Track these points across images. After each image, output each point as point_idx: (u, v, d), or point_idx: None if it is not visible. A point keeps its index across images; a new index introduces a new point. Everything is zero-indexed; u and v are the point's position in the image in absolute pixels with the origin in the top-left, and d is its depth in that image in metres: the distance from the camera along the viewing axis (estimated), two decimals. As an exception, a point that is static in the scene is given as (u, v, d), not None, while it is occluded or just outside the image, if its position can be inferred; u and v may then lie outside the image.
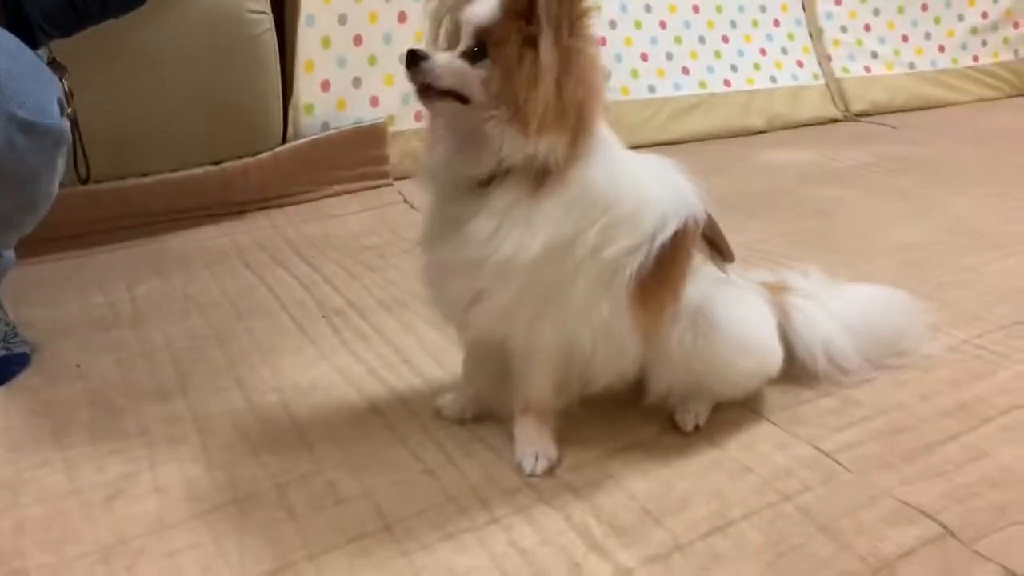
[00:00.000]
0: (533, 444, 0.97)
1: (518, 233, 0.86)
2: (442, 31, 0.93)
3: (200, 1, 1.61)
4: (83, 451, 1.02)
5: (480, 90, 0.87)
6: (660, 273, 0.94)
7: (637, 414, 1.04)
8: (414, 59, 0.87)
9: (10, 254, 1.23)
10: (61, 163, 1.11)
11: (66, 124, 1.07)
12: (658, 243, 0.93)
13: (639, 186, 0.94)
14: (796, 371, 1.11)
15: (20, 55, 1.04)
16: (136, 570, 0.83)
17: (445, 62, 0.87)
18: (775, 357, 1.05)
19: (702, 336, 0.99)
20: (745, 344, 1.02)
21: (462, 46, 0.88)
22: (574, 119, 0.86)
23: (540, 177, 0.87)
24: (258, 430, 1.06)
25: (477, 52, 0.87)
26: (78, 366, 1.22)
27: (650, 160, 0.98)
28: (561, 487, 0.93)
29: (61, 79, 1.16)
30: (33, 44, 1.14)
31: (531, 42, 0.84)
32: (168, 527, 0.89)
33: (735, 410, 1.06)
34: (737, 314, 1.02)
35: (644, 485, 0.93)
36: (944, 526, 0.85)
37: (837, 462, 0.96)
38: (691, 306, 0.98)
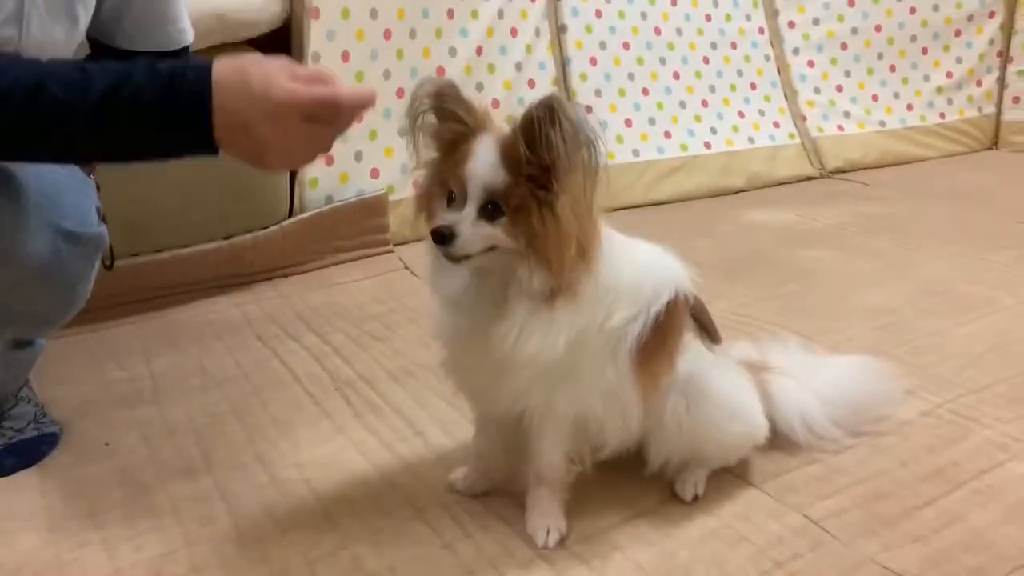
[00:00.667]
0: (545, 517, 1.04)
1: (540, 337, 0.93)
2: (419, 144, 0.97)
3: (213, 87, 1.70)
4: (119, 531, 1.08)
5: (506, 240, 0.91)
6: (657, 340, 1.01)
7: (639, 485, 1.12)
8: (445, 239, 0.90)
9: (43, 341, 1.29)
10: (95, 269, 1.17)
11: (104, 230, 1.14)
12: (654, 312, 1.00)
13: (635, 263, 1.01)
14: (780, 442, 1.19)
15: (65, 169, 1.11)
16: (181, 649, 0.89)
17: (470, 232, 0.91)
18: (761, 422, 1.14)
19: (694, 405, 1.06)
20: (733, 411, 1.10)
21: (474, 202, 0.92)
22: (589, 250, 0.92)
23: (556, 291, 0.93)
24: (283, 507, 1.12)
25: (492, 209, 0.91)
26: (106, 444, 1.28)
27: (641, 242, 1.05)
28: (572, 558, 1.01)
29: (89, 175, 1.23)
30: None
31: (546, 204, 0.89)
32: (207, 606, 0.96)
33: (730, 479, 1.14)
34: (724, 384, 1.10)
35: (648, 555, 1.01)
36: (923, 590, 0.94)
37: (825, 530, 1.04)
38: (682, 378, 1.06)
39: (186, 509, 1.12)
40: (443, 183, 0.96)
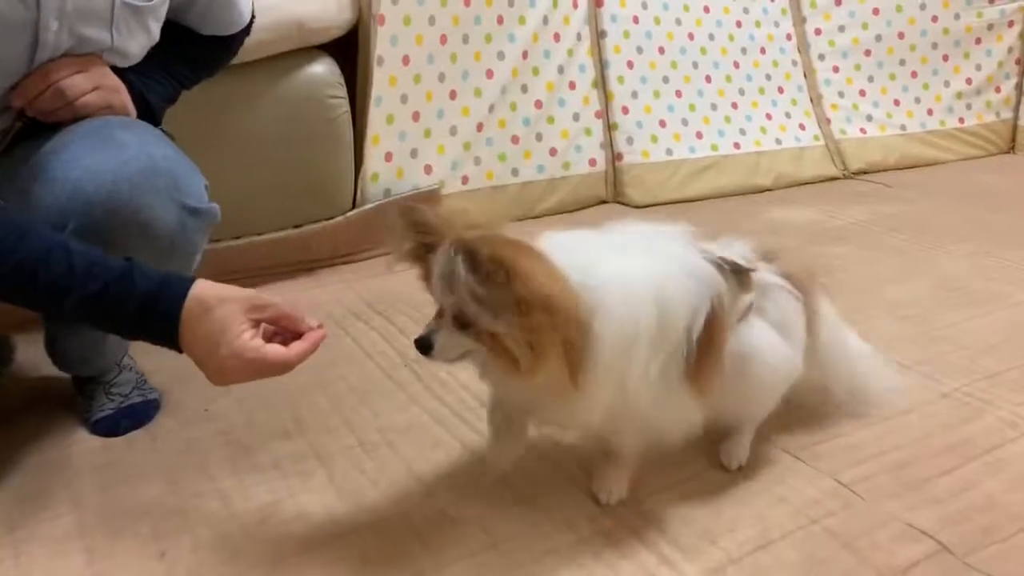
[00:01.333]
0: (609, 482, 1.16)
1: (571, 414, 1.04)
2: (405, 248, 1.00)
3: (288, 89, 1.84)
4: (230, 483, 1.23)
5: (480, 348, 0.96)
6: (706, 352, 1.03)
7: (685, 452, 1.26)
8: (424, 350, 0.98)
9: None
10: (206, 241, 1.31)
11: (216, 207, 1.27)
12: (695, 336, 1.01)
13: (659, 300, 0.99)
14: (812, 415, 1.33)
15: (179, 152, 1.24)
16: (300, 579, 1.04)
17: (445, 342, 0.97)
18: (797, 361, 1.19)
19: (740, 371, 1.12)
20: (775, 363, 1.16)
21: (448, 313, 0.96)
22: (570, 374, 0.94)
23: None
24: (371, 465, 1.27)
25: (463, 319, 0.95)
26: (205, 410, 1.42)
27: (661, 254, 1.03)
28: (633, 514, 1.15)
29: None
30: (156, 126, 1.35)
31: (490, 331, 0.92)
32: (316, 547, 1.10)
33: (768, 449, 1.27)
34: (765, 339, 1.14)
35: (698, 512, 1.14)
36: (942, 544, 1.07)
37: (854, 492, 1.18)
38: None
39: (286, 466, 1.27)
40: (429, 289, 0.99)
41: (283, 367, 1.01)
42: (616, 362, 0.96)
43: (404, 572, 1.04)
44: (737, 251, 1.16)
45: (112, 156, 1.13)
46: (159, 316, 0.99)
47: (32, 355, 1.58)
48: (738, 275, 1.10)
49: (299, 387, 1.49)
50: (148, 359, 1.52)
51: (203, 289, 1.00)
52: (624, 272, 0.98)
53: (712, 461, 1.24)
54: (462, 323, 0.95)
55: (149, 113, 1.32)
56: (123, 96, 1.26)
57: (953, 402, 1.41)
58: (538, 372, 0.93)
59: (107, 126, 1.19)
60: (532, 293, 0.88)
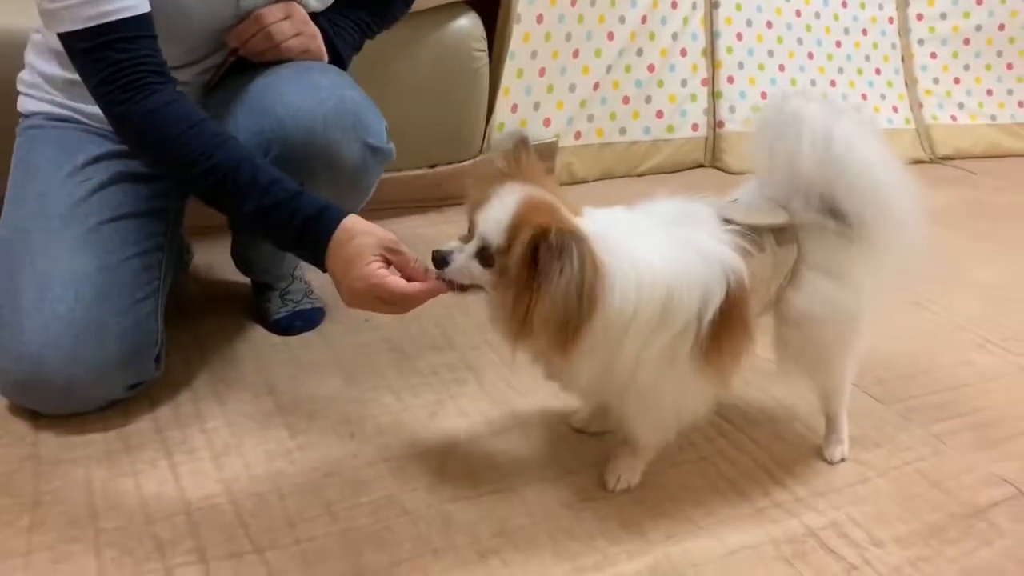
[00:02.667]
0: (620, 469, 1.19)
1: (559, 372, 1.10)
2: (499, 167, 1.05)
3: (440, 40, 2.01)
4: (397, 382, 1.43)
5: (489, 288, 1.02)
6: (722, 335, 1.04)
7: (793, 409, 1.43)
8: (439, 264, 1.03)
9: None
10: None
11: (393, 147, 1.42)
12: (707, 321, 1.02)
13: (663, 279, 1.00)
14: (906, 374, 1.49)
15: (365, 95, 1.38)
16: (470, 464, 1.24)
17: (461, 265, 1.02)
18: (857, 308, 1.16)
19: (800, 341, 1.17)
20: (832, 321, 1.15)
21: (476, 243, 1.01)
22: (563, 344, 0.97)
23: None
24: (516, 379, 1.45)
25: (487, 256, 1.00)
26: (366, 320, 1.62)
27: (679, 239, 1.04)
28: (752, 445, 1.32)
29: None
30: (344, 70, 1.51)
31: (517, 291, 0.96)
32: (478, 439, 1.30)
33: (864, 400, 1.43)
34: (814, 302, 1.13)
35: (803, 449, 1.31)
36: (1019, 489, 1.24)
37: (943, 442, 1.34)
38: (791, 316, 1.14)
39: (442, 373, 1.47)
40: (472, 212, 1.04)
41: (402, 299, 1.08)
42: (607, 340, 1.00)
43: (553, 470, 1.24)
44: (768, 193, 1.14)
45: (310, 97, 1.29)
46: (313, 236, 1.13)
47: (209, 259, 1.80)
48: (775, 232, 1.10)
49: (445, 309, 1.66)
50: (314, 273, 1.72)
51: (352, 221, 1.13)
52: (640, 256, 1.00)
53: (811, 407, 1.39)
54: (484, 258, 1.01)
55: (338, 58, 1.47)
56: (319, 42, 1.42)
57: (1033, 375, 1.57)
58: (526, 335, 0.98)
59: (307, 70, 1.35)
60: (578, 282, 0.93)
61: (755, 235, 1.08)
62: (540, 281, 0.94)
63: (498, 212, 0.99)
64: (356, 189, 1.40)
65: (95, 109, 1.21)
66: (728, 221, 1.08)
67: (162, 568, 1.03)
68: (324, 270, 1.15)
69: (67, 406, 1.26)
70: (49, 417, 1.27)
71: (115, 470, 1.19)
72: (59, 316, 1.20)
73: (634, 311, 1.00)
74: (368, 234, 1.11)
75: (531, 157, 1.05)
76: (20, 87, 1.41)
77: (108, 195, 1.30)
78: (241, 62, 1.40)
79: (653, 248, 1.02)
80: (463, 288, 1.06)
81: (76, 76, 1.20)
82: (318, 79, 1.34)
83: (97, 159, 1.33)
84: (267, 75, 1.34)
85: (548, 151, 2.29)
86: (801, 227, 1.12)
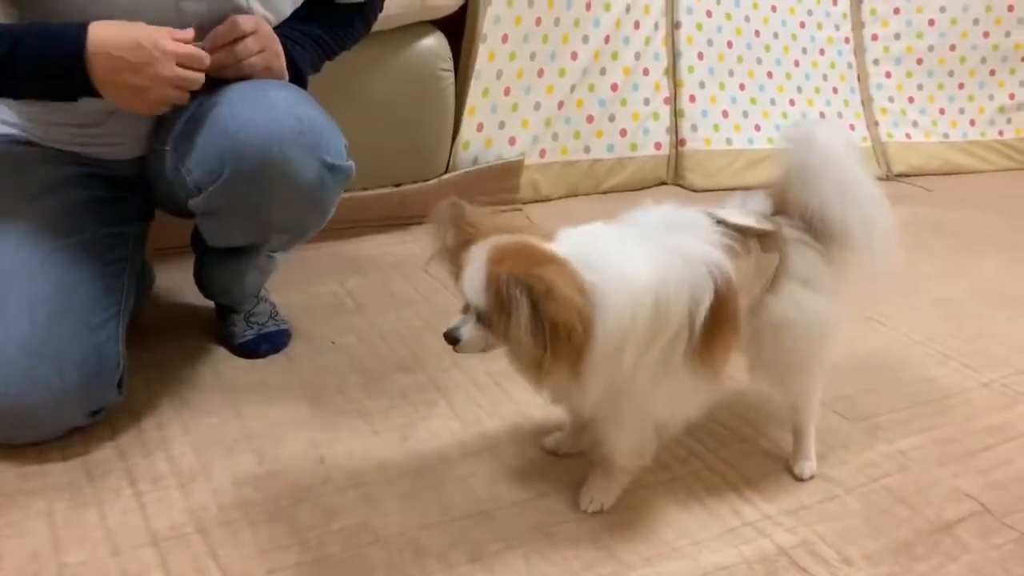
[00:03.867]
0: (594, 491, 1.20)
1: (569, 395, 1.12)
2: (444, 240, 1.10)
3: (405, 59, 2.01)
4: (366, 405, 1.42)
5: (500, 345, 1.05)
6: (713, 334, 1.07)
7: (761, 424, 1.44)
8: (452, 343, 1.06)
9: (278, 256, 1.60)
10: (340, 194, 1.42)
11: (352, 165, 1.38)
12: (699, 321, 1.05)
13: (654, 290, 1.03)
14: (870, 390, 1.52)
15: (324, 113, 1.35)
16: (442, 488, 1.23)
17: (470, 336, 1.05)
18: (833, 318, 1.20)
19: (776, 346, 1.18)
20: (810, 327, 1.18)
21: (472, 310, 1.04)
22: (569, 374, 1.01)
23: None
24: (486, 400, 1.45)
25: (484, 320, 1.03)
26: (333, 342, 1.61)
27: (665, 244, 1.06)
28: (718, 461, 1.33)
29: None
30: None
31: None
32: (450, 461, 1.29)
33: (830, 417, 1.45)
34: (795, 308, 1.17)
35: (771, 468, 1.33)
36: (983, 505, 1.26)
37: (908, 458, 1.36)
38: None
39: (412, 394, 1.46)
40: (458, 284, 1.06)
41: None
42: (611, 354, 1.02)
43: (526, 493, 1.23)
44: (754, 207, 1.20)
45: (265, 114, 1.26)
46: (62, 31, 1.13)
47: (170, 282, 1.77)
48: (760, 238, 1.15)
49: (412, 330, 1.67)
50: (276, 296, 1.71)
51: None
52: (625, 268, 1.02)
53: (779, 425, 1.41)
54: (483, 322, 1.03)
55: (298, 77, 1.45)
56: (282, 62, 1.39)
57: (992, 391, 1.59)
58: (553, 373, 1.00)
59: (264, 88, 1.31)
60: (563, 318, 0.95)
61: (742, 237, 1.12)
62: (509, 328, 0.97)
63: (472, 277, 1.01)
64: (315, 208, 1.38)
65: (54, 130, 1.19)
66: (718, 222, 1.12)
67: (128, 602, 1.01)
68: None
69: (25, 435, 1.22)
70: (5, 447, 1.23)
71: (77, 500, 1.16)
72: (12, 340, 1.17)
73: (631, 321, 1.01)
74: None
75: (474, 213, 1.07)
76: None
77: (66, 219, 1.28)
78: None
79: (636, 257, 1.04)
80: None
81: None
82: (274, 96, 1.30)
83: (55, 184, 1.30)
84: (223, 92, 1.30)
85: (514, 170, 2.30)
86: (784, 238, 1.17)
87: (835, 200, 1.16)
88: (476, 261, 1.01)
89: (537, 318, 0.95)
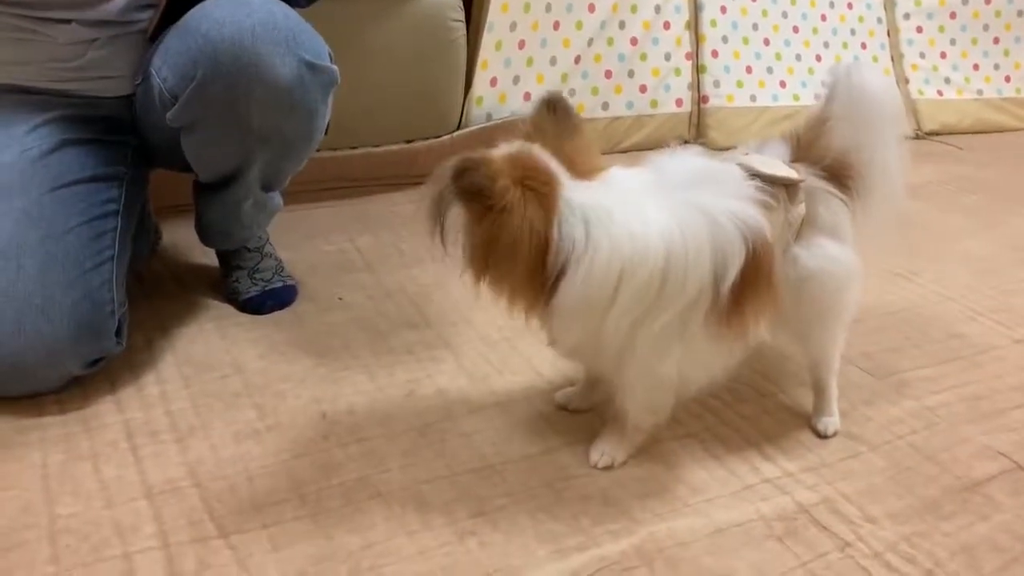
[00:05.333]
0: (607, 445, 1.16)
1: (550, 330, 1.07)
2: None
3: (415, 10, 1.94)
4: (371, 361, 1.38)
5: None
6: (744, 297, 1.03)
7: (779, 380, 1.39)
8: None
9: (279, 200, 1.56)
10: (330, 105, 1.36)
11: (336, 69, 1.32)
12: (727, 284, 1.01)
13: (658, 251, 0.98)
14: (898, 347, 1.45)
15: (301, 20, 1.28)
16: (446, 444, 1.18)
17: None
18: (857, 267, 1.17)
19: (801, 298, 1.13)
20: (837, 278, 1.15)
21: None
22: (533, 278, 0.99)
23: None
24: (496, 356, 1.40)
25: None
26: (340, 299, 1.57)
27: (694, 204, 1.02)
28: (739, 419, 1.28)
29: None
30: None
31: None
32: (456, 417, 1.24)
33: (856, 373, 1.39)
34: (823, 259, 1.13)
35: (791, 424, 1.27)
36: (1015, 462, 1.20)
37: (936, 415, 1.30)
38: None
39: (418, 351, 1.41)
40: None
41: None
42: (589, 308, 1.00)
43: (534, 448, 1.19)
44: (773, 154, 1.16)
45: (238, 11, 1.21)
46: None
47: (175, 239, 1.73)
48: (788, 188, 1.10)
49: (421, 288, 1.63)
50: (283, 254, 1.66)
51: None
52: (628, 228, 0.98)
53: (800, 382, 1.35)
54: None
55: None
56: None
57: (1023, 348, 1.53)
58: (485, 284, 1.01)
59: None
60: (498, 233, 0.95)
61: (772, 189, 1.08)
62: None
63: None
64: (297, 111, 1.30)
65: (37, 68, 1.15)
66: (752, 174, 1.07)
67: (121, 554, 0.98)
68: None
69: (20, 385, 1.20)
70: (3, 399, 1.21)
71: (73, 453, 1.13)
72: (0, 290, 1.14)
73: (616, 283, 0.98)
74: None
75: (551, 117, 1.03)
76: None
77: (51, 162, 1.24)
78: (180, 7, 1.29)
79: (648, 218, 1.00)
80: None
81: (6, 34, 1.13)
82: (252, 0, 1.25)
83: (38, 127, 1.27)
84: (202, 4, 1.26)
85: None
86: (808, 187, 1.13)
87: (871, 145, 1.15)
88: (472, 155, 0.97)
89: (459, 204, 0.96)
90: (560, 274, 0.98)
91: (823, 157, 1.16)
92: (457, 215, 0.98)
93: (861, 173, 1.16)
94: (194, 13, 1.24)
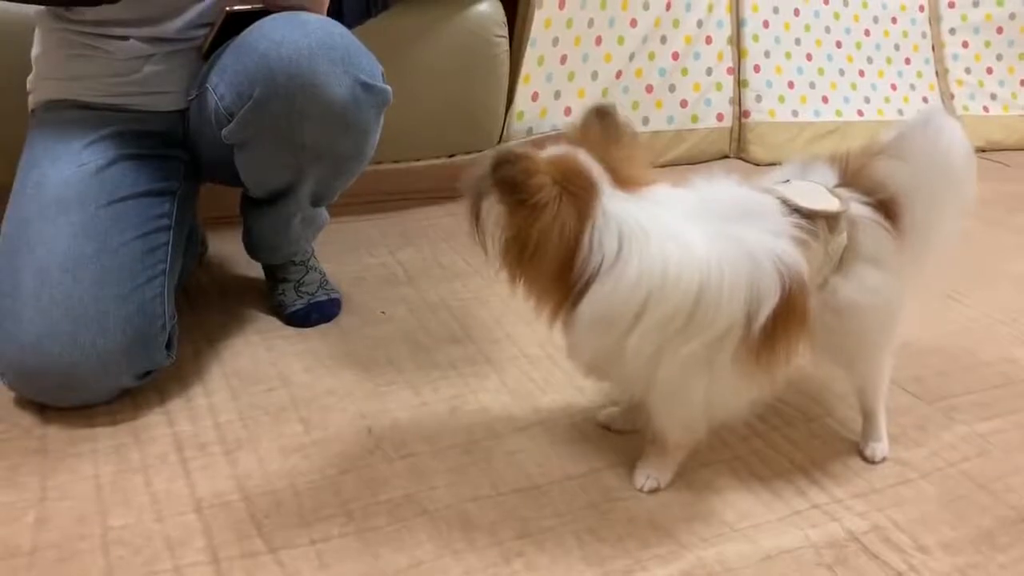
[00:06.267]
0: (649, 468, 1.14)
1: (568, 345, 1.07)
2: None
3: (460, 25, 1.96)
4: (415, 376, 1.38)
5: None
6: (777, 334, 1.01)
7: (828, 403, 1.37)
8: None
9: (326, 215, 1.57)
10: (380, 125, 1.37)
11: (390, 89, 1.33)
12: (759, 322, 0.98)
13: (693, 279, 0.97)
14: (948, 370, 1.43)
15: (356, 40, 1.30)
16: (491, 462, 1.18)
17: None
18: (900, 296, 1.13)
19: (841, 331, 1.11)
20: (878, 310, 1.12)
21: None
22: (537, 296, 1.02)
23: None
24: (536, 374, 1.40)
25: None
26: (383, 312, 1.58)
27: (734, 236, 0.99)
28: (784, 442, 1.26)
29: None
30: None
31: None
32: (500, 435, 1.24)
33: (906, 399, 1.37)
34: (863, 290, 1.10)
35: (840, 449, 1.25)
36: (1072, 493, 1.17)
37: (988, 442, 1.28)
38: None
39: (461, 366, 1.42)
40: None
41: None
42: (610, 325, 0.98)
43: (579, 468, 1.18)
44: (816, 178, 1.14)
45: (295, 31, 1.23)
46: None
47: (222, 251, 1.76)
48: (828, 219, 1.07)
49: (462, 302, 1.63)
50: (326, 266, 1.68)
51: None
52: (663, 250, 0.97)
53: (848, 405, 1.33)
54: None
55: (339, 16, 1.41)
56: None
57: (1078, 372, 1.49)
58: (515, 279, 1.01)
59: (298, 14, 1.28)
60: (530, 229, 0.95)
61: (812, 224, 1.05)
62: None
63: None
64: (351, 130, 1.32)
65: (93, 83, 1.18)
66: (791, 208, 1.04)
67: (172, 568, 0.99)
68: None
69: (73, 396, 1.22)
70: (56, 410, 1.23)
71: (124, 465, 1.15)
72: (57, 302, 1.16)
73: (643, 304, 0.97)
74: None
75: (600, 126, 1.02)
76: (28, 87, 1.41)
77: (107, 177, 1.26)
78: (239, 23, 1.32)
79: (687, 244, 0.98)
80: None
81: (68, 51, 1.16)
82: (307, 18, 1.26)
83: (94, 142, 1.29)
84: (259, 23, 1.28)
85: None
86: (851, 217, 1.10)
87: (932, 202, 1.12)
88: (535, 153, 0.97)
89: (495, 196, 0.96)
90: (587, 283, 0.97)
91: (873, 188, 1.12)
92: (492, 206, 0.98)
93: (914, 215, 1.12)
94: (252, 32, 1.26)
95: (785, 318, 1.00)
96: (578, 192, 0.97)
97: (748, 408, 1.11)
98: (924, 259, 1.15)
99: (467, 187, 1.00)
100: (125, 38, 1.33)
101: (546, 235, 0.95)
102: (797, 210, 1.05)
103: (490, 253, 1.00)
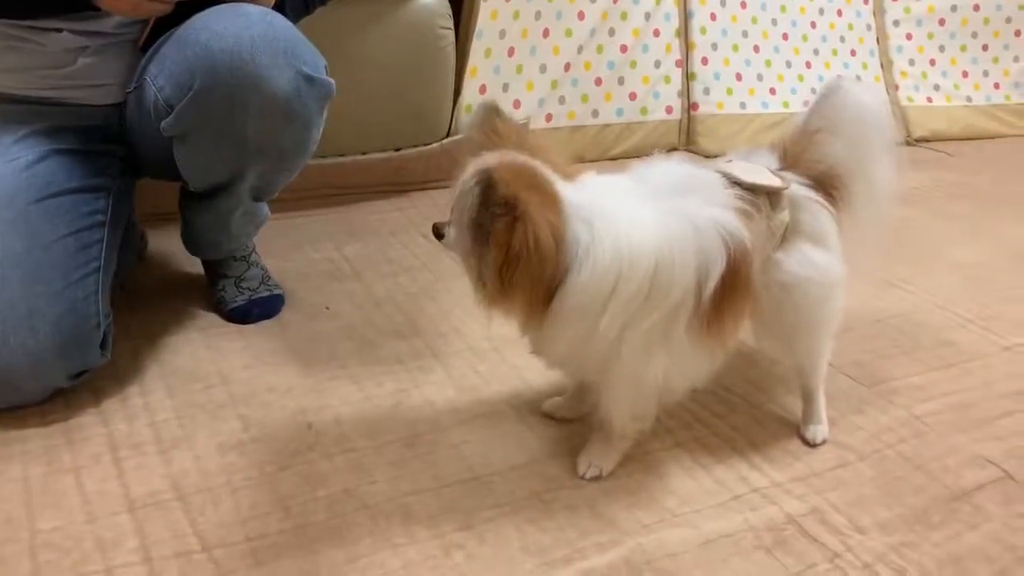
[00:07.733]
0: (592, 456, 1.15)
1: (538, 340, 1.07)
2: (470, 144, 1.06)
3: (404, 17, 1.94)
4: (358, 371, 1.37)
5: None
6: (723, 304, 1.04)
7: (771, 388, 1.38)
8: (438, 237, 1.04)
9: (267, 210, 1.55)
10: (323, 119, 1.35)
11: (333, 82, 1.31)
12: (708, 290, 1.01)
13: (649, 253, 0.99)
14: (887, 354, 1.45)
15: (298, 32, 1.28)
16: (434, 455, 1.17)
17: (452, 239, 1.02)
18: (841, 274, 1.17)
19: (785, 305, 1.14)
20: (821, 285, 1.15)
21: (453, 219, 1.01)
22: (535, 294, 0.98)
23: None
24: (484, 367, 1.39)
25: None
26: (327, 308, 1.56)
27: (677, 210, 1.02)
28: (727, 428, 1.27)
29: None
30: None
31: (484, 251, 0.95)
32: (444, 428, 1.23)
33: (845, 383, 1.39)
34: (806, 265, 1.13)
35: (781, 434, 1.26)
36: (1006, 471, 1.19)
37: (925, 424, 1.30)
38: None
39: (407, 360, 1.40)
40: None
41: None
42: (584, 313, 0.99)
43: (522, 459, 1.18)
44: (764, 162, 1.16)
45: (236, 22, 1.21)
46: None
47: (161, 247, 1.72)
48: (771, 195, 1.11)
49: (410, 296, 1.62)
50: (269, 262, 1.65)
51: None
52: (621, 232, 0.98)
53: (789, 390, 1.35)
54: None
55: (281, 9, 1.37)
56: None
57: (1013, 355, 1.52)
58: (501, 302, 0.98)
59: (239, 5, 1.26)
60: (527, 241, 0.93)
61: (754, 197, 1.08)
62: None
63: (463, 187, 0.97)
64: (293, 123, 1.30)
65: (26, 76, 1.14)
66: (733, 182, 1.07)
67: (103, 569, 0.96)
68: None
69: (4, 398, 1.18)
70: (-16, 411, 1.20)
71: (55, 466, 1.12)
72: None
73: (614, 285, 0.98)
74: None
75: (506, 123, 1.04)
76: None
77: (38, 173, 1.23)
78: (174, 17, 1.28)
79: (641, 222, 1.00)
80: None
81: None
82: (247, 8, 1.24)
83: (26, 136, 1.26)
84: (199, 14, 1.25)
85: (518, 134, 2.23)
86: (793, 195, 1.13)
87: (859, 159, 1.16)
88: (476, 166, 0.96)
89: (486, 222, 0.93)
90: (564, 276, 0.97)
91: (811, 167, 1.16)
92: (485, 234, 0.95)
93: (848, 184, 1.17)
94: (192, 23, 1.24)
95: (731, 285, 1.03)
96: (546, 192, 0.97)
97: (706, 379, 1.13)
98: (866, 229, 1.21)
99: (459, 224, 0.98)
100: (58, 30, 1.30)
101: (537, 240, 0.94)
102: (738, 183, 1.08)
103: (484, 278, 0.98)
